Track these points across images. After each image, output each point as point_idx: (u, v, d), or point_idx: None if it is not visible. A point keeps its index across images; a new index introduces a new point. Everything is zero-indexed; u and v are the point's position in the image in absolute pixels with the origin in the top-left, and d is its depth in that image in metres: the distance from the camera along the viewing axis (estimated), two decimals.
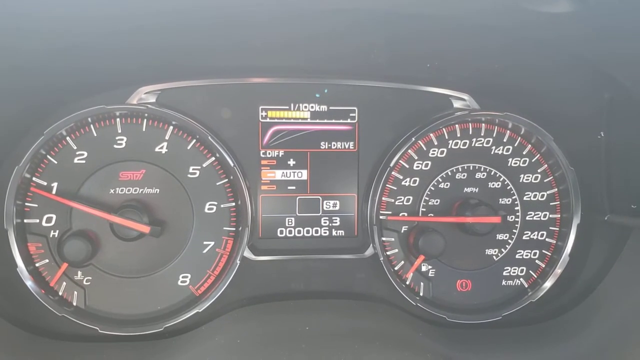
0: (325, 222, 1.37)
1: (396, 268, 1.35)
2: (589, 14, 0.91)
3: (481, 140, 1.36)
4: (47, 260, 1.24)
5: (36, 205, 1.24)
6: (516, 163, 1.37)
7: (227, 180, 1.30)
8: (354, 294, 1.35)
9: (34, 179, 1.23)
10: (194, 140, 1.28)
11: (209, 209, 1.29)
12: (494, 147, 1.36)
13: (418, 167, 1.35)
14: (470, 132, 1.36)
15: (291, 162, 1.36)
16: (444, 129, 1.34)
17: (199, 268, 1.30)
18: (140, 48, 1.12)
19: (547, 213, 1.38)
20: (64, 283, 1.25)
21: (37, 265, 1.24)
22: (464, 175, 1.36)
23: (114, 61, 1.16)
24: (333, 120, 1.36)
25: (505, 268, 1.38)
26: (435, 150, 1.35)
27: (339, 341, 1.07)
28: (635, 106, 1.15)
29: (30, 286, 1.21)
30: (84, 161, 1.25)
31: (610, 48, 1.03)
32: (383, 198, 1.34)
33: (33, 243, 1.24)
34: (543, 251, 1.39)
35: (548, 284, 1.36)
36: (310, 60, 1.28)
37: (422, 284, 1.36)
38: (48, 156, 1.24)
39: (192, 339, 1.17)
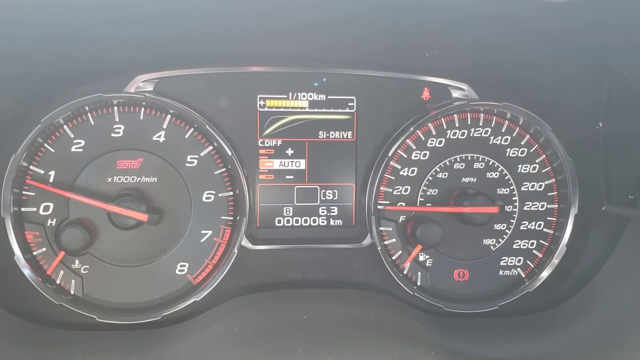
0: (323, 212, 1.37)
1: (394, 257, 1.36)
2: (588, 4, 0.90)
3: (479, 130, 1.36)
4: (44, 249, 1.24)
5: (33, 194, 1.23)
6: (514, 153, 1.37)
7: (225, 169, 1.30)
8: (351, 283, 1.35)
9: (31, 167, 1.23)
10: (192, 129, 1.28)
11: (206, 198, 1.29)
12: (492, 137, 1.36)
13: (416, 157, 1.35)
14: (469, 122, 1.35)
15: (289, 152, 1.35)
16: (442, 119, 1.34)
17: (197, 257, 1.30)
18: (138, 36, 1.11)
19: (545, 203, 1.38)
20: (62, 271, 1.25)
21: (34, 253, 1.24)
22: (462, 165, 1.36)
23: (112, 49, 1.15)
24: (331, 110, 1.36)
25: (503, 258, 1.38)
26: (433, 140, 1.35)
27: (336, 330, 1.07)
28: (634, 97, 1.15)
29: (27, 274, 1.21)
30: (81, 149, 1.24)
31: (609, 38, 1.02)
32: (381, 188, 1.34)
33: (30, 231, 1.24)
34: (540, 241, 1.39)
35: (545, 274, 1.37)
36: (309, 49, 1.27)
37: (419, 273, 1.37)
38: (45, 144, 1.23)
39: (189, 327, 1.18)
